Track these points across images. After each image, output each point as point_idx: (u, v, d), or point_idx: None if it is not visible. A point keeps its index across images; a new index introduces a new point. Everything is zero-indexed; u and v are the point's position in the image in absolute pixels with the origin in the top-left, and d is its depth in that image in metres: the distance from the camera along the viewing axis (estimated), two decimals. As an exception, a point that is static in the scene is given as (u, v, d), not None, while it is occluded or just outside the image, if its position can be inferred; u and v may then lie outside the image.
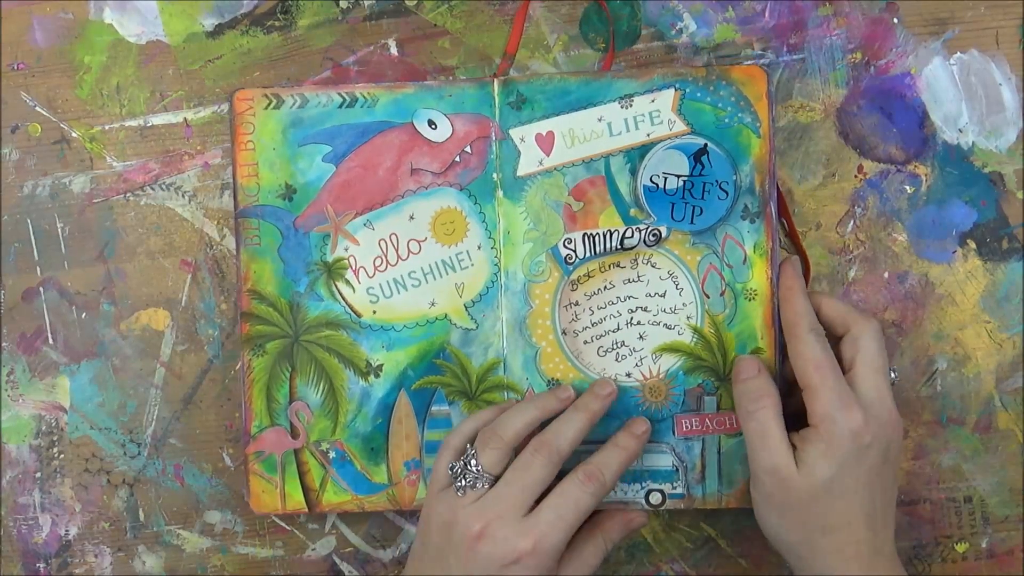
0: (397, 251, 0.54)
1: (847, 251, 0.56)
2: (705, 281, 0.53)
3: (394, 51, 0.56)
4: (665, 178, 0.53)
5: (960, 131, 0.55)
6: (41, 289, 0.57)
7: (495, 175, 0.54)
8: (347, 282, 0.54)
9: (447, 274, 0.54)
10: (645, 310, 0.53)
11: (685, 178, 0.53)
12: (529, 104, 0.53)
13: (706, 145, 0.52)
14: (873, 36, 0.55)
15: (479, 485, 0.48)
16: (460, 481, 0.48)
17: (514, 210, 0.54)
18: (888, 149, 0.56)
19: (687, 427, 0.53)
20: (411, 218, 0.54)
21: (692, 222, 0.53)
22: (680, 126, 0.53)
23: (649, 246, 0.53)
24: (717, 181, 0.52)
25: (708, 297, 0.53)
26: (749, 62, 0.55)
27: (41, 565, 0.57)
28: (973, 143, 0.55)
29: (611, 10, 0.56)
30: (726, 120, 0.52)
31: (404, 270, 0.54)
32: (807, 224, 0.56)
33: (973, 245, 0.55)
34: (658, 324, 0.53)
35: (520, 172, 0.53)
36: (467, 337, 0.54)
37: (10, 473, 0.57)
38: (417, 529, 0.51)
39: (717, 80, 0.52)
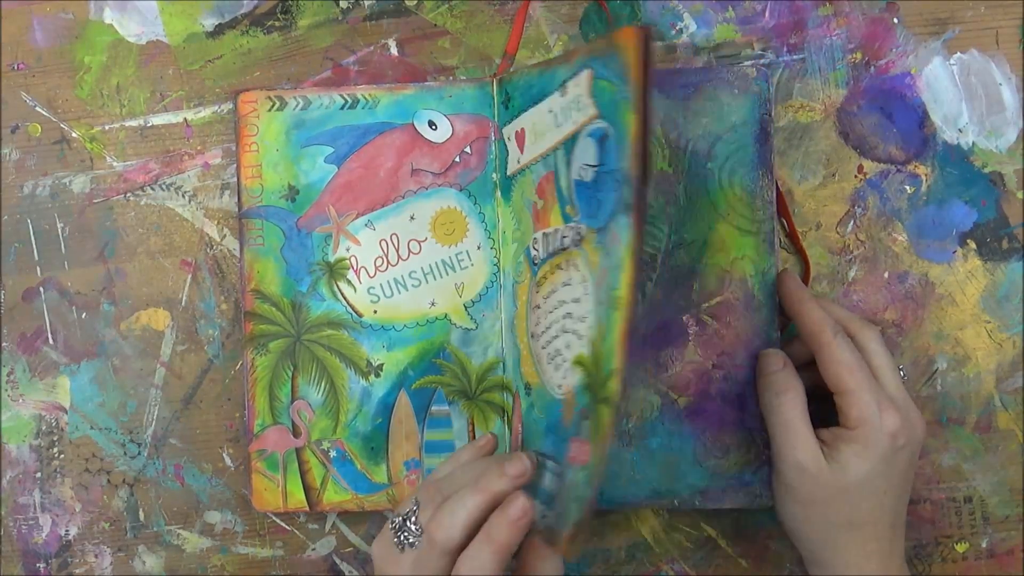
0: (398, 251, 0.54)
1: (847, 251, 0.56)
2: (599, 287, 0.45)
3: (394, 51, 0.56)
4: (585, 170, 0.47)
5: (960, 131, 0.55)
6: (41, 289, 0.57)
7: (494, 175, 0.54)
8: (348, 282, 0.54)
9: (447, 274, 0.54)
10: (571, 317, 0.48)
11: (594, 169, 0.46)
12: (512, 101, 0.53)
13: (607, 129, 0.45)
14: (873, 36, 0.55)
15: (416, 544, 0.45)
16: (399, 536, 0.46)
17: (506, 210, 0.53)
18: (888, 149, 0.56)
19: (575, 452, 0.45)
20: (412, 218, 0.54)
21: (595, 218, 0.46)
22: (591, 110, 0.46)
23: (576, 246, 0.47)
24: (612, 170, 0.44)
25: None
26: (749, 62, 0.55)
27: (41, 565, 0.57)
28: (973, 143, 0.55)
29: (611, 10, 0.56)
30: (617, 96, 0.43)
31: (405, 270, 0.54)
32: (807, 224, 0.56)
33: (973, 245, 0.55)
34: (575, 333, 0.47)
35: (509, 171, 0.53)
36: (467, 337, 0.54)
37: (10, 473, 0.57)
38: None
39: (610, 50, 0.43)
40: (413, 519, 0.46)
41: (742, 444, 0.53)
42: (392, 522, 0.47)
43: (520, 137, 0.52)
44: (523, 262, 0.52)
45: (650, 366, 0.53)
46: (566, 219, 0.48)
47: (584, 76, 0.46)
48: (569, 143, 0.48)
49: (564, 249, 0.48)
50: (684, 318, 0.53)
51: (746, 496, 0.53)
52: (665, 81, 0.52)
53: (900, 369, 0.52)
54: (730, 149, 0.53)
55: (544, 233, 0.50)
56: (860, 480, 0.47)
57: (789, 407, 0.49)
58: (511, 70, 0.56)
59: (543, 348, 0.50)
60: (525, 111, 0.51)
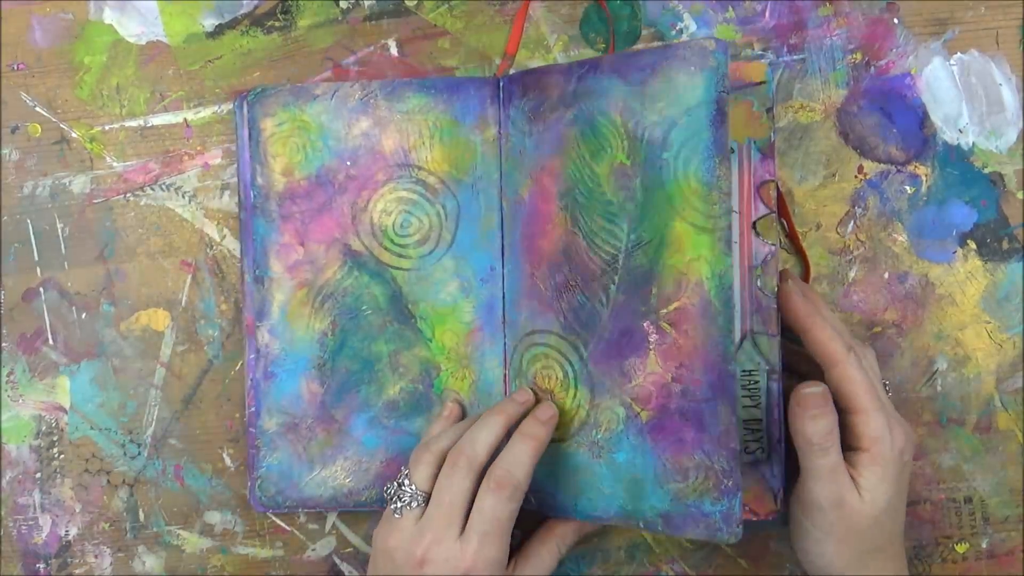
0: None
1: (847, 251, 0.56)
2: None
3: (394, 51, 0.56)
4: None
5: (960, 131, 0.55)
6: (41, 289, 0.57)
7: None
8: None
9: None
10: None
11: None
12: None
13: None
14: (873, 36, 0.55)
15: (413, 505, 0.47)
16: (395, 503, 0.48)
17: None
18: (888, 149, 0.56)
19: None
20: None
21: None
22: None
23: None
24: None
25: None
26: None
27: (41, 565, 0.57)
28: (973, 143, 0.55)
29: (611, 10, 0.56)
30: None
31: None
32: (807, 224, 0.56)
33: (973, 245, 0.55)
34: None
35: None
36: None
37: (10, 473, 0.57)
38: (370, 556, 0.50)
39: None
40: (407, 482, 0.48)
41: (700, 469, 0.47)
42: (386, 490, 0.49)
43: None
44: None
45: (616, 374, 0.49)
46: None
47: None
48: None
49: None
50: (645, 324, 0.48)
51: (706, 528, 0.46)
52: (622, 65, 0.47)
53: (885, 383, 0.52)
54: (685, 135, 0.46)
55: None
56: (887, 504, 0.47)
57: (836, 449, 0.47)
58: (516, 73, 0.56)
59: None
60: None
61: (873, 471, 0.47)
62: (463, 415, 0.54)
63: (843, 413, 0.47)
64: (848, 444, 0.48)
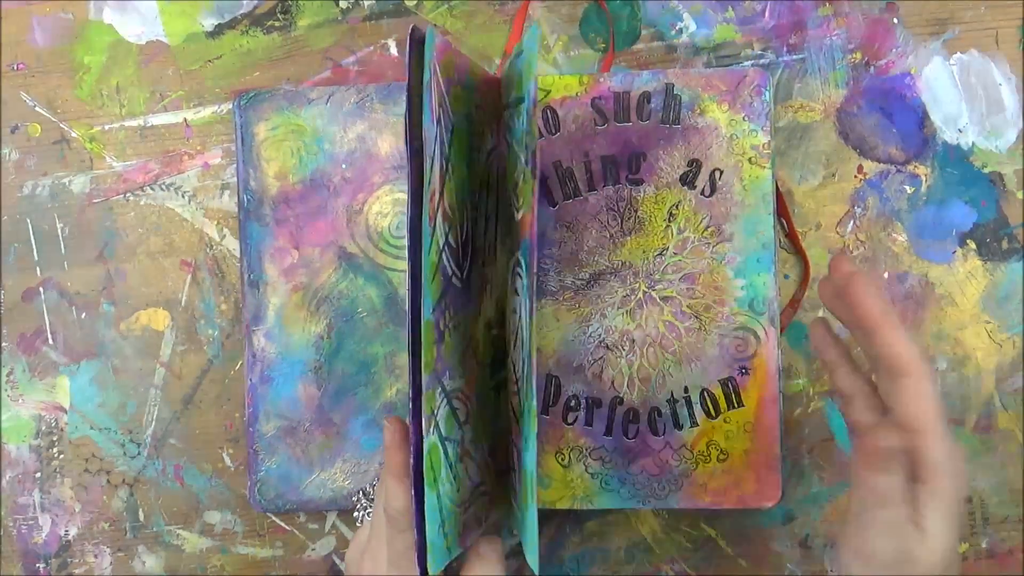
0: None
1: (847, 251, 0.56)
2: None
3: (394, 51, 0.56)
4: None
5: (960, 131, 0.55)
6: (41, 289, 0.57)
7: None
8: None
9: None
10: None
11: None
12: None
13: None
14: (873, 36, 0.55)
15: (368, 515, 0.49)
16: (358, 511, 0.51)
17: None
18: (888, 149, 0.56)
19: None
20: None
21: None
22: None
23: None
24: None
25: None
26: (749, 63, 0.55)
27: (41, 565, 0.57)
28: (973, 143, 0.55)
29: (611, 10, 0.56)
30: None
31: None
32: (807, 224, 0.56)
33: (973, 245, 0.55)
34: None
35: None
36: None
37: (10, 473, 0.57)
38: None
39: None
40: (371, 491, 0.50)
41: None
42: (355, 498, 0.52)
43: None
44: None
45: None
46: None
47: None
48: None
49: None
50: None
51: None
52: None
53: None
54: None
55: None
56: (951, 548, 0.41)
57: (906, 502, 0.41)
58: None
59: None
60: None
61: (936, 510, 0.40)
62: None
63: (910, 434, 0.41)
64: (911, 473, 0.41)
